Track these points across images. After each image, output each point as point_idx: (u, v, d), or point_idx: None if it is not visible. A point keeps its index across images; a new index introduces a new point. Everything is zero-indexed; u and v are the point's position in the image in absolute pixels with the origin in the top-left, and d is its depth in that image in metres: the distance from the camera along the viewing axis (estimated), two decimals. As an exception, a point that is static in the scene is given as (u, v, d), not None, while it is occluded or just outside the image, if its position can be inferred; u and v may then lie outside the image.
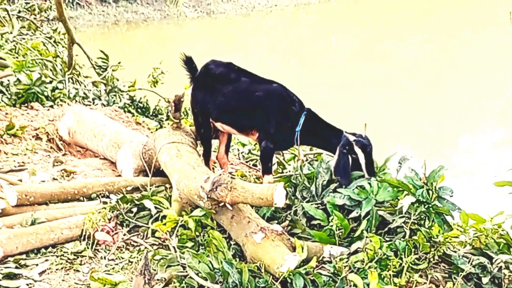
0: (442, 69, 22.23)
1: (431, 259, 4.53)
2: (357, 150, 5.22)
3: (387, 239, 4.69)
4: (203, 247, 4.77)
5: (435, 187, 4.68)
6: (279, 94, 5.61)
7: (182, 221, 4.92)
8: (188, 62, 5.93)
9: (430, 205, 4.64)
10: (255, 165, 7.44)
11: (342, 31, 28.54)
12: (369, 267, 4.36)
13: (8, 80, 8.47)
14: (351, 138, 5.23)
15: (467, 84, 20.40)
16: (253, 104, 5.62)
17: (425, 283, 4.48)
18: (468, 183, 13.08)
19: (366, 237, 4.57)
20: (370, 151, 5.31)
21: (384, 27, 28.83)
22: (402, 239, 4.55)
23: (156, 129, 8.27)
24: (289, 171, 6.42)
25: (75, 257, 4.78)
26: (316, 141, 5.76)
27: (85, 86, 10.10)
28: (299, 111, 5.54)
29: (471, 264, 4.50)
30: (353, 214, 4.85)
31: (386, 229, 4.83)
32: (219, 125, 5.85)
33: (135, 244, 5.01)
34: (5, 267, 4.53)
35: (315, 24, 31.37)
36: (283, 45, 27.17)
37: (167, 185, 5.75)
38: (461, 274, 4.46)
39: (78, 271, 4.63)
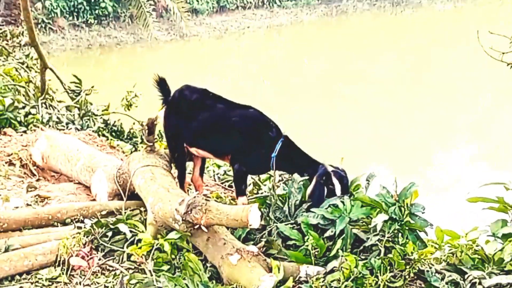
0: (414, 88, 22.50)
1: (407, 277, 4.55)
2: (335, 181, 5.26)
3: (363, 257, 4.70)
4: (179, 270, 4.75)
5: (407, 204, 4.71)
6: (255, 119, 5.64)
7: (157, 244, 4.90)
8: (161, 84, 5.92)
9: (403, 222, 4.68)
10: (231, 186, 7.43)
11: (315, 52, 28.79)
12: (346, 286, 4.37)
13: (-19, 106, 8.41)
14: (330, 168, 5.27)
15: (439, 102, 20.65)
16: (229, 129, 5.63)
17: (401, 300, 4.51)
18: (443, 199, 13.20)
19: (342, 256, 4.59)
20: (346, 183, 5.38)
21: (356, 48, 29.11)
22: (377, 257, 4.57)
23: (131, 152, 8.24)
24: (264, 192, 6.44)
25: (50, 283, 4.75)
26: (291, 168, 5.72)
27: (58, 111, 10.04)
28: (276, 137, 5.55)
29: (444, 281, 4.53)
30: (328, 233, 4.86)
31: (361, 247, 4.85)
32: (194, 150, 5.85)
33: (111, 268, 4.97)
34: (-21, 295, 4.49)
35: (287, 46, 31.61)
36: (257, 66, 27.32)
37: (142, 209, 5.72)
38: (435, 291, 4.49)
39: (53, 297, 4.60)
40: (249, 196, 5.98)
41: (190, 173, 6.38)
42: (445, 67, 25.22)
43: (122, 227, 5.25)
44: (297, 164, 5.60)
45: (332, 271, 4.57)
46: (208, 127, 5.69)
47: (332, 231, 4.86)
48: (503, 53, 6.12)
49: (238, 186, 5.69)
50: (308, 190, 5.35)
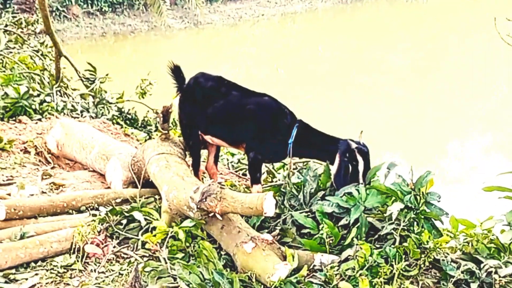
0: (429, 76, 22.35)
1: (422, 266, 4.54)
2: (359, 157, 5.21)
3: (377, 246, 4.69)
4: (193, 258, 4.76)
5: (422, 192, 4.69)
6: (270, 107, 5.60)
7: (172, 232, 4.91)
8: (176, 71, 5.90)
9: (418, 211, 4.66)
10: (244, 174, 7.42)
11: (329, 40, 28.66)
12: (360, 275, 4.36)
13: (-4, 94, 8.45)
14: (353, 145, 5.21)
15: (454, 90, 20.52)
16: (244, 117, 5.60)
17: (416, 289, 4.49)
18: (458, 189, 13.14)
19: (356, 244, 4.58)
20: (368, 158, 5.31)
21: (371, 35, 28.96)
22: (392, 246, 4.55)
23: (145, 141, 8.25)
24: (279, 180, 6.42)
25: (65, 270, 4.76)
26: (312, 152, 5.69)
27: (73, 99, 10.07)
28: (291, 123, 5.51)
29: (460, 270, 4.51)
30: (343, 222, 4.85)
31: (376, 236, 4.83)
32: (208, 138, 5.84)
33: (125, 256, 4.98)
34: (-5, 282, 4.51)
35: (302, 33, 31.49)
36: (271, 54, 27.25)
37: (157, 196, 5.73)
38: (451, 280, 4.47)
39: (68, 284, 4.60)
40: (263, 185, 5.96)
41: (204, 161, 6.37)
42: (461, 55, 25.06)
43: (137, 214, 5.26)
44: (316, 146, 5.54)
45: (346, 259, 4.56)
46: (223, 115, 5.66)
47: (347, 220, 4.84)
48: (521, 40, 6.05)
49: (253, 174, 5.67)
50: (332, 169, 5.31)
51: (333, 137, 5.45)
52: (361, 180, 5.19)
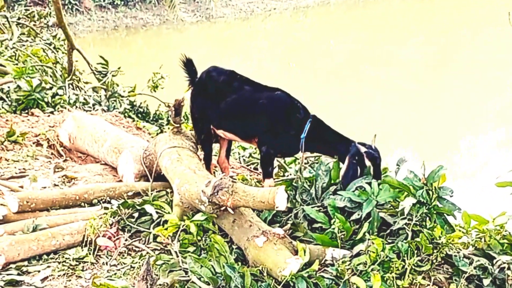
0: (442, 71, 22.25)
1: (434, 261, 4.52)
2: (367, 162, 5.18)
3: (389, 241, 4.68)
4: (205, 252, 4.76)
5: (435, 187, 4.67)
6: (283, 102, 5.57)
7: (183, 225, 4.90)
8: (188, 64, 5.88)
9: (430, 206, 4.64)
10: (256, 168, 7.42)
11: (341, 34, 28.57)
12: (372, 270, 4.35)
13: (8, 87, 8.49)
14: (362, 149, 5.18)
15: (467, 85, 20.42)
16: (257, 112, 5.58)
17: (428, 285, 4.48)
18: (470, 184, 13.09)
19: (368, 239, 4.56)
20: (379, 163, 5.27)
21: (383, 30, 28.85)
22: (404, 241, 4.54)
23: (157, 134, 8.26)
24: (290, 174, 6.41)
25: (77, 263, 4.77)
26: (323, 148, 5.65)
27: (85, 92, 10.10)
28: (304, 118, 5.49)
29: (472, 265, 4.49)
30: (354, 216, 4.84)
31: (388, 231, 4.82)
32: (221, 132, 5.83)
33: (137, 249, 5.00)
34: (7, 274, 4.52)
35: (314, 27, 31.41)
36: (282, 48, 27.21)
37: (168, 190, 5.74)
38: (463, 276, 4.45)
39: (80, 277, 4.62)
40: (275, 179, 5.95)
41: (216, 155, 6.37)
42: (474, 49, 24.92)
43: (149, 208, 5.27)
44: (327, 143, 5.52)
45: (358, 254, 4.55)
46: (235, 110, 5.64)
47: (358, 214, 4.83)
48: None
49: (265, 168, 5.66)
50: (341, 171, 5.30)
51: (346, 138, 5.44)
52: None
